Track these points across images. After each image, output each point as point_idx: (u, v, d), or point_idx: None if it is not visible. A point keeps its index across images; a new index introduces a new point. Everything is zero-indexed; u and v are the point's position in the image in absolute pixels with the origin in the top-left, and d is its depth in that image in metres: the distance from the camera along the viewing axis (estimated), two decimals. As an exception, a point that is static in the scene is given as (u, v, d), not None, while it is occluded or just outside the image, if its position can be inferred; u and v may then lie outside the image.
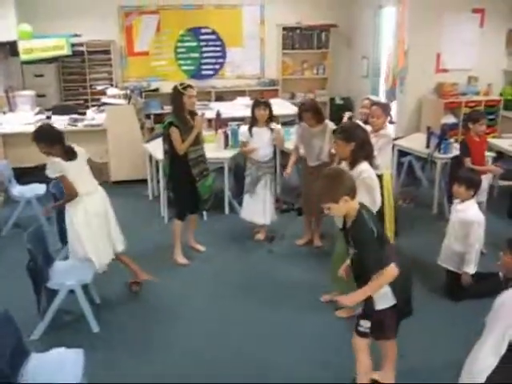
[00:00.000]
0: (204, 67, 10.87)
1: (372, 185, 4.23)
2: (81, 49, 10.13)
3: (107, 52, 10.34)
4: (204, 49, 10.77)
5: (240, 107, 9.15)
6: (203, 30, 10.66)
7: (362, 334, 3.34)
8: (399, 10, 8.95)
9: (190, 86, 5.30)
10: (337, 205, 3.11)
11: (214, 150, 6.82)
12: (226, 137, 6.92)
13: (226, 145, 6.93)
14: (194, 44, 10.72)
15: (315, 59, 11.18)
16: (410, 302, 3.44)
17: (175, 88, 5.27)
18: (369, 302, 3.25)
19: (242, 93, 10.51)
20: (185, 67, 10.78)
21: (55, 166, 4.45)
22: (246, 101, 9.63)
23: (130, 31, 10.41)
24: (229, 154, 6.76)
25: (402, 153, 7.31)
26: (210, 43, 10.76)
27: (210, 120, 7.80)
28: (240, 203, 6.28)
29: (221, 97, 10.63)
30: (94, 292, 4.82)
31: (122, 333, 4.45)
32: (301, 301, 4.84)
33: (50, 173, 4.48)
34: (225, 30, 10.69)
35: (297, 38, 10.94)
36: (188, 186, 5.44)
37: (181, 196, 5.57)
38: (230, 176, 6.84)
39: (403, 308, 3.36)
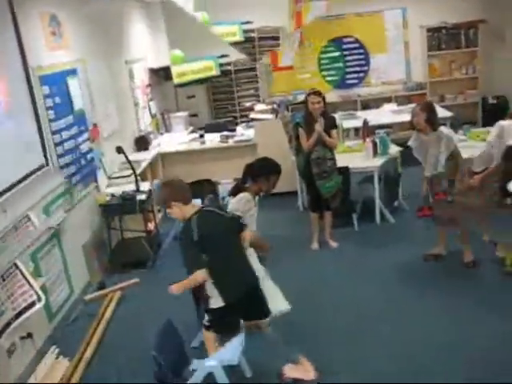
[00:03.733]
0: (348, 76, 10.79)
1: None
2: (228, 68, 10.56)
3: (253, 69, 10.69)
4: (347, 58, 10.70)
5: (387, 114, 9.01)
6: (346, 40, 10.61)
7: (206, 327, 3.76)
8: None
9: (314, 93, 5.80)
10: (171, 209, 3.55)
11: (363, 158, 6.76)
12: (375, 145, 6.80)
13: (375, 153, 6.80)
14: (337, 54, 10.69)
15: (464, 59, 10.61)
16: (255, 310, 3.73)
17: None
18: (206, 301, 3.66)
19: (388, 99, 10.32)
20: (329, 78, 10.78)
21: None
22: (393, 107, 9.47)
23: (273, 49, 10.65)
24: (378, 162, 6.63)
25: None
26: (354, 52, 10.67)
27: (356, 129, 7.74)
28: (391, 212, 6.12)
29: (367, 105, 10.51)
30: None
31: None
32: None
33: None
34: (367, 37, 10.55)
35: (443, 38, 10.49)
36: (310, 183, 6.01)
37: (307, 189, 6.34)
38: (381, 185, 6.66)
39: (246, 313, 3.73)
